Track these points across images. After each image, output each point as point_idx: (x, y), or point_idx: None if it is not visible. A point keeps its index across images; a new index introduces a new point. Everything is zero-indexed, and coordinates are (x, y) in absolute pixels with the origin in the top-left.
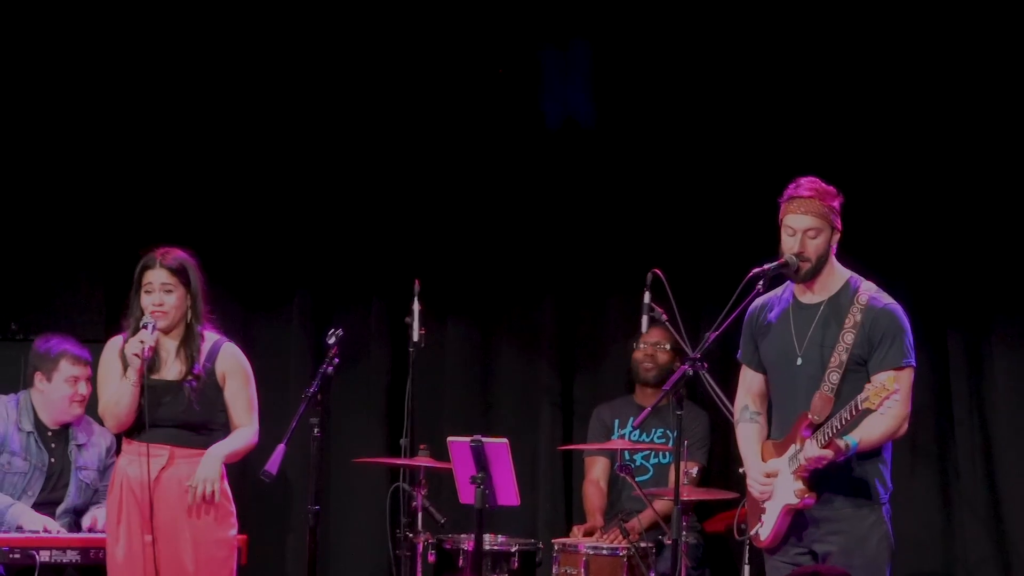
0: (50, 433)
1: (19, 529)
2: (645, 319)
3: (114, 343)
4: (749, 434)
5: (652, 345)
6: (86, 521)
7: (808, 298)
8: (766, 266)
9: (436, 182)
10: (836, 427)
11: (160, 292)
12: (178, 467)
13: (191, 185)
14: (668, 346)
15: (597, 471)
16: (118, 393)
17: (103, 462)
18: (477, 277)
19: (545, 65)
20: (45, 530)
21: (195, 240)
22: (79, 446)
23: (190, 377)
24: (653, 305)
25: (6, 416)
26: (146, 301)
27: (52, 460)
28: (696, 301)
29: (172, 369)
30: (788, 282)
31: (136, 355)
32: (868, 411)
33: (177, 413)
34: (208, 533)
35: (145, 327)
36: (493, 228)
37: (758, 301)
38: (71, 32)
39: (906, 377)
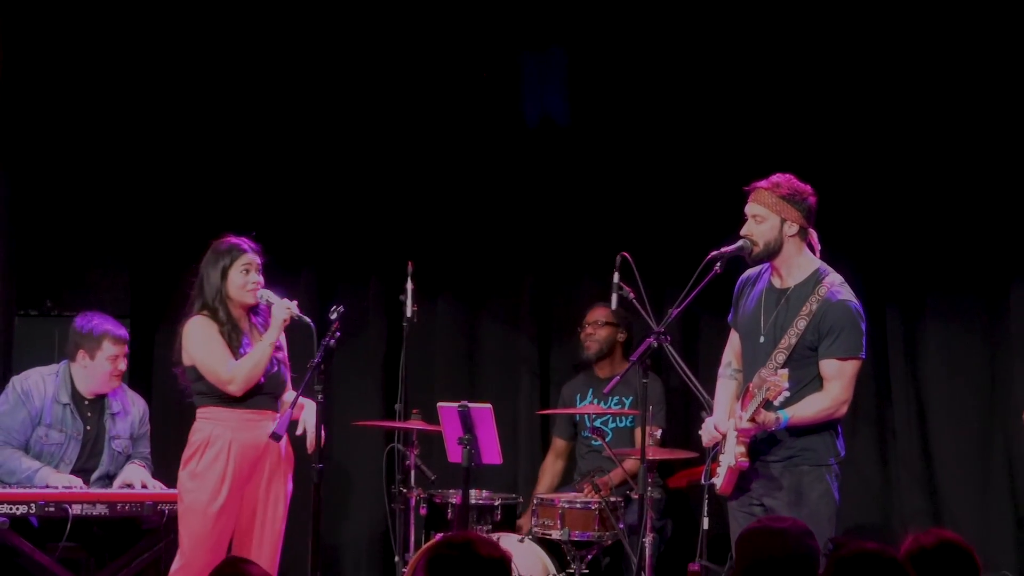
0: (86, 403)
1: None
2: (614, 297)
3: (204, 322)
4: (724, 389)
5: (591, 324)
6: (117, 482)
7: (778, 283)
8: (723, 249)
9: (428, 175)
10: (755, 403)
11: (255, 272)
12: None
13: (207, 178)
14: (604, 321)
15: (557, 448)
16: (257, 356)
17: (135, 431)
18: (464, 259)
19: (525, 69)
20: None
21: (211, 225)
22: (113, 415)
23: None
24: (621, 284)
25: (44, 391)
26: (243, 280)
27: (88, 428)
28: (660, 281)
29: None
30: (768, 264)
31: (286, 320)
32: (767, 400)
33: (274, 382)
34: (287, 481)
35: (268, 301)
36: (478, 216)
37: (749, 273)
38: (94, 34)
39: (850, 367)
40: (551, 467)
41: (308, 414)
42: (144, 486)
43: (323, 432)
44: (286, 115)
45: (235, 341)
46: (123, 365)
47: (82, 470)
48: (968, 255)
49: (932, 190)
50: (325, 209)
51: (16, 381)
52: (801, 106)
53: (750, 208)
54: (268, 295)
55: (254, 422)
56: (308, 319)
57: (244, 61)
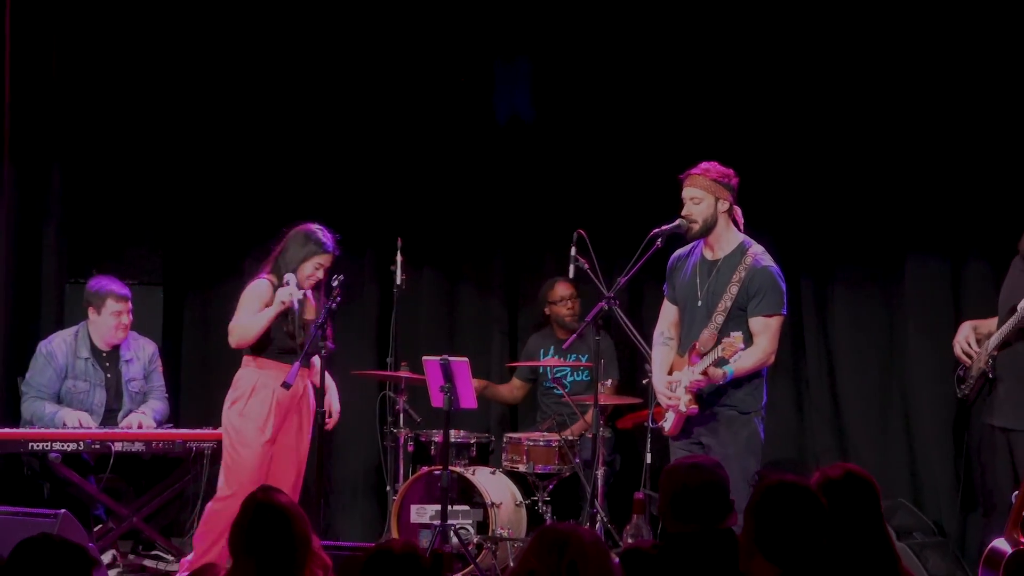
0: (104, 354)
1: (64, 426)
2: (572, 268)
3: (261, 285)
4: (660, 355)
5: (570, 298)
6: (127, 421)
7: (710, 255)
8: (663, 227)
9: (415, 164)
10: (707, 360)
11: (322, 271)
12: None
13: (229, 167)
14: (575, 294)
15: (515, 384)
16: (255, 321)
17: (147, 369)
18: (445, 236)
19: (496, 75)
20: (81, 424)
21: (232, 207)
22: (127, 362)
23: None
24: (577, 257)
25: (66, 349)
26: (311, 271)
27: (108, 376)
28: (611, 254)
29: (311, 313)
30: (699, 240)
31: (284, 302)
32: (722, 358)
33: (313, 346)
34: (310, 427)
35: (288, 284)
36: (457, 199)
37: (679, 251)
38: (129, 44)
39: (775, 323)
40: (507, 392)
41: (332, 396)
42: (140, 426)
43: (325, 382)
44: (299, 116)
45: (292, 310)
46: (126, 320)
47: (111, 410)
48: (870, 232)
49: (839, 177)
50: (328, 192)
51: (42, 345)
52: (727, 108)
53: (688, 192)
54: (291, 279)
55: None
56: (296, 300)
57: (259, 66)
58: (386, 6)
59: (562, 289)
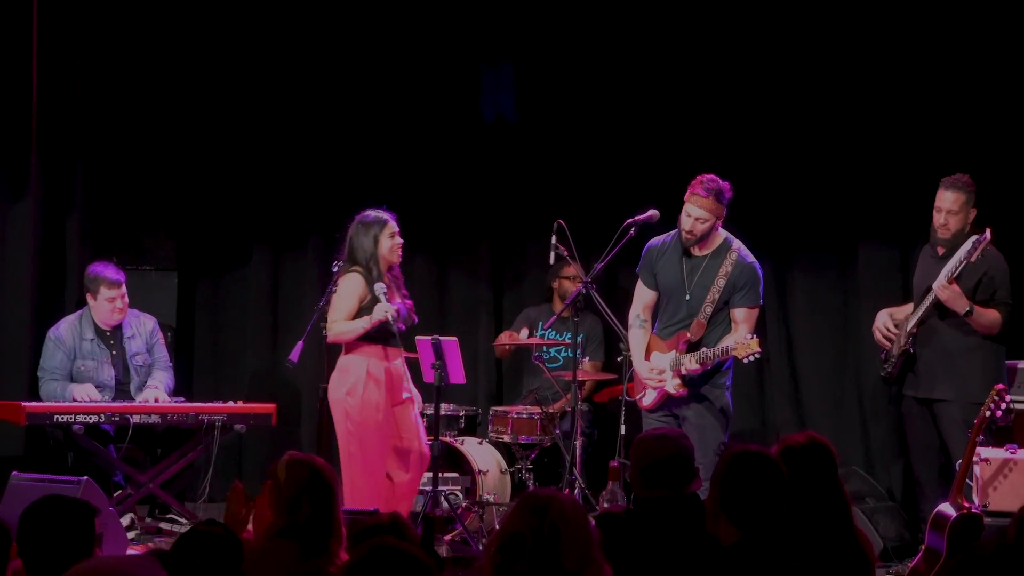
0: (107, 333)
1: (72, 398)
2: (552, 254)
3: (354, 279)
4: (637, 338)
5: (578, 278)
6: (144, 396)
7: (697, 252)
8: (636, 217)
9: (409, 159)
10: (709, 354)
11: (398, 236)
12: None
13: (238, 165)
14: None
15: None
16: (351, 327)
17: (148, 343)
18: (436, 225)
19: (483, 78)
20: (90, 398)
21: (237, 200)
22: (129, 338)
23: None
24: (558, 245)
25: (72, 332)
26: (391, 243)
27: (114, 352)
28: (588, 242)
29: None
30: (677, 231)
31: (382, 319)
32: (736, 358)
33: (407, 326)
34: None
35: (381, 299)
36: (447, 191)
37: (656, 240)
38: (141, 48)
39: (755, 314)
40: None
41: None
42: (157, 401)
43: (326, 359)
44: (302, 116)
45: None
46: (121, 303)
47: (120, 383)
48: (826, 221)
49: (798, 170)
50: (328, 186)
51: (50, 332)
52: (692, 108)
53: (695, 211)
54: (381, 289)
55: (396, 355)
56: (392, 317)
57: (264, 69)
58: (382, 17)
59: (573, 269)
